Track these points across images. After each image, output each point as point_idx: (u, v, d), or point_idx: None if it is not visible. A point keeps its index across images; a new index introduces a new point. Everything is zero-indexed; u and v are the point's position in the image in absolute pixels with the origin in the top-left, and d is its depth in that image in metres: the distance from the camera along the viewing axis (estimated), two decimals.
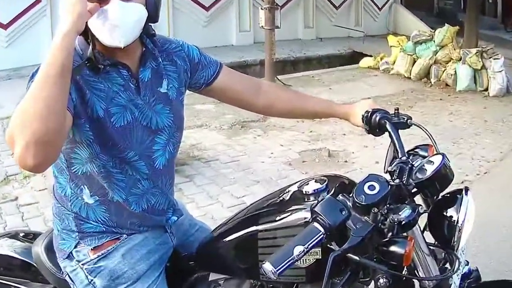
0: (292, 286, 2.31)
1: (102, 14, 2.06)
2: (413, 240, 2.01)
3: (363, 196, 1.99)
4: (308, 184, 2.26)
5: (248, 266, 2.30)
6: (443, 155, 2.20)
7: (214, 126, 9.07)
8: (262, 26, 12.19)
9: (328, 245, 1.96)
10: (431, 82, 13.56)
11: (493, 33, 24.84)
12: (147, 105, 2.30)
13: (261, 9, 12.17)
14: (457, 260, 2.20)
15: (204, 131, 8.69)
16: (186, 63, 2.50)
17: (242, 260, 2.34)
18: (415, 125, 2.52)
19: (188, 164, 7.33)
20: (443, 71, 13.46)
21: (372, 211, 1.95)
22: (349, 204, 2.03)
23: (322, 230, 1.87)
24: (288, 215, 2.22)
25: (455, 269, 2.19)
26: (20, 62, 12.24)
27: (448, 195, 2.29)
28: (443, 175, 2.16)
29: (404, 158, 2.25)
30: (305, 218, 2.10)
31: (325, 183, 2.23)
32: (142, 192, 2.35)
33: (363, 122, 2.58)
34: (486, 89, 12.79)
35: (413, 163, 2.24)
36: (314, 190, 2.20)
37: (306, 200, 2.21)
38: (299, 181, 2.37)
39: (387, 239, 1.98)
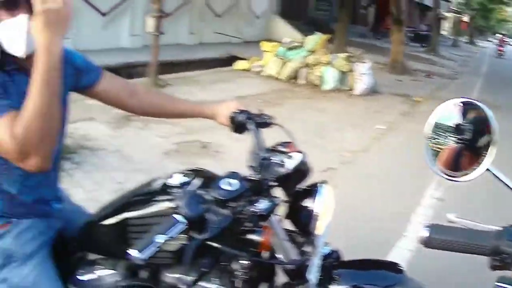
0: (163, 266, 2.34)
1: (9, 24, 2.06)
2: (268, 229, 2.09)
3: (222, 192, 2.04)
4: (172, 177, 2.28)
5: (122, 249, 2.18)
6: (302, 153, 2.31)
7: (102, 120, 9.02)
8: (149, 32, 12.47)
9: (190, 234, 1.97)
10: (299, 83, 13.92)
11: (364, 40, 25.65)
12: None
13: (149, 17, 12.47)
14: (314, 245, 2.25)
15: (93, 123, 8.62)
16: (72, 69, 2.49)
17: (117, 243, 2.33)
18: (275, 124, 2.62)
19: (77, 153, 7.28)
20: (311, 73, 13.79)
21: (230, 205, 1.99)
22: (209, 198, 2.06)
23: (184, 220, 1.89)
24: (155, 205, 2.25)
25: (312, 253, 2.23)
26: None
27: (308, 187, 2.35)
28: (300, 171, 2.27)
29: (263, 154, 2.32)
30: (170, 208, 2.11)
31: (190, 176, 2.27)
32: (35, 184, 2.35)
33: (230, 122, 2.65)
34: (351, 89, 13.11)
35: (272, 158, 2.31)
36: (180, 184, 2.22)
37: (172, 191, 2.21)
38: (168, 174, 2.37)
39: (246, 228, 2.04)
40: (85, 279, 2.46)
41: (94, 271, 2.45)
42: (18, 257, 2.32)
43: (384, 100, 12.73)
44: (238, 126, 2.63)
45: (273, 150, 2.46)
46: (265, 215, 2.05)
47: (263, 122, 2.59)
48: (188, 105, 2.90)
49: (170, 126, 8.68)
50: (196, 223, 1.92)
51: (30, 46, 2.09)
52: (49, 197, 2.46)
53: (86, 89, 2.58)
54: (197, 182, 2.24)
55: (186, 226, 1.88)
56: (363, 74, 13.25)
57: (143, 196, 2.38)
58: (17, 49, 2.08)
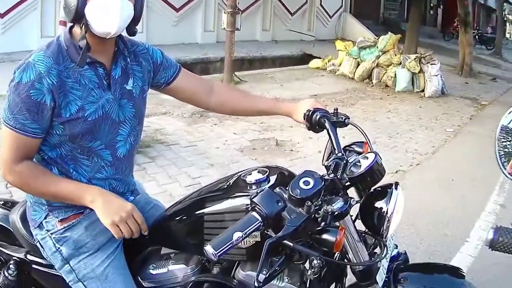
0: (234, 263, 2.35)
1: (102, 3, 2.11)
2: (344, 230, 2.02)
3: (298, 190, 2.00)
4: (251, 174, 2.28)
5: (195, 244, 2.31)
6: (375, 153, 2.23)
7: (177, 114, 9.05)
8: (224, 28, 12.34)
9: (266, 232, 1.97)
10: (372, 83, 13.75)
11: (433, 41, 25.12)
12: (116, 100, 2.32)
13: (224, 12, 12.34)
14: (385, 247, 2.23)
15: (167, 118, 8.66)
16: (150, 64, 2.53)
17: (191, 238, 2.36)
18: (351, 124, 2.55)
19: (152, 147, 7.35)
20: (384, 74, 13.64)
21: (306, 204, 1.96)
22: (285, 196, 2.05)
23: (260, 218, 1.90)
24: (231, 201, 2.25)
25: (383, 254, 2.22)
26: (12, 48, 12.31)
27: (380, 188, 2.30)
28: (375, 171, 2.19)
29: (340, 154, 2.27)
30: (246, 205, 2.11)
31: (266, 174, 2.26)
32: (105, 177, 2.38)
33: (304, 119, 2.59)
34: (423, 91, 13.02)
35: (348, 158, 2.26)
36: (256, 180, 2.22)
37: (248, 188, 2.23)
38: (243, 170, 2.39)
39: (320, 227, 2.00)
40: (157, 273, 2.47)
41: (166, 266, 2.46)
42: (89, 248, 2.37)
43: (452, 102, 12.50)
44: (313, 124, 2.55)
45: (348, 149, 2.46)
46: (341, 215, 2.03)
47: (339, 121, 2.53)
48: (266, 102, 2.87)
49: (245, 123, 8.67)
50: (272, 221, 1.92)
51: (122, 25, 2.18)
52: (122, 189, 2.47)
53: (163, 85, 2.62)
54: (273, 179, 2.24)
55: (262, 224, 1.89)
56: (434, 75, 13.04)
57: (219, 192, 2.38)
58: (110, 27, 2.14)
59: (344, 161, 2.20)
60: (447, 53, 21.99)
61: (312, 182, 2.03)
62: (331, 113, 2.56)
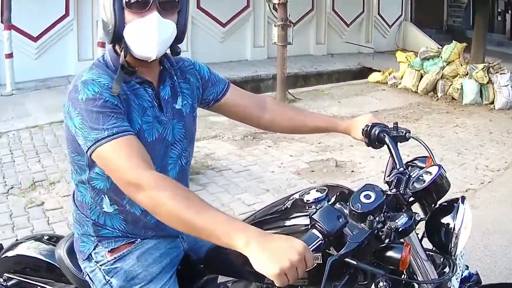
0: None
1: (141, 25, 2.16)
2: (409, 246, 2.02)
3: (359, 205, 2.02)
4: (309, 193, 2.30)
5: (253, 271, 2.15)
6: (439, 166, 2.26)
7: (227, 137, 9.12)
8: (275, 42, 12.36)
9: (327, 251, 1.98)
10: (437, 96, 13.56)
11: (501, 49, 24.69)
12: (169, 121, 2.37)
13: (275, 26, 12.33)
14: (454, 265, 2.23)
15: (217, 142, 8.75)
16: (198, 80, 2.58)
17: (248, 264, 2.20)
18: (413, 138, 2.59)
19: (202, 173, 7.40)
20: (450, 86, 13.46)
21: (368, 218, 1.97)
22: (346, 212, 2.06)
23: (320, 236, 1.90)
24: (290, 222, 2.27)
25: (452, 272, 2.22)
26: (48, 74, 12.51)
27: (446, 203, 2.32)
28: (439, 185, 2.22)
29: (401, 169, 2.32)
30: (305, 225, 2.11)
31: (325, 192, 2.27)
32: None
33: (363, 135, 2.65)
34: (492, 103, 12.78)
35: (411, 173, 2.30)
36: (315, 199, 2.24)
37: (307, 208, 2.24)
38: (301, 190, 2.41)
39: (384, 244, 2.01)
40: None
41: None
42: (141, 280, 2.39)
43: None
44: (373, 140, 2.62)
45: (410, 165, 2.49)
46: (405, 231, 2.04)
47: (399, 136, 2.58)
48: (322, 119, 2.89)
49: (302, 144, 8.69)
50: (333, 239, 1.92)
51: (162, 48, 2.21)
52: None
53: (212, 102, 2.65)
54: (332, 198, 2.24)
55: (323, 242, 1.89)
56: (504, 86, 12.74)
57: (276, 214, 2.39)
58: (149, 51, 2.18)
59: (407, 176, 2.24)
60: None
61: (373, 196, 2.04)
62: (391, 127, 2.61)
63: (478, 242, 5.37)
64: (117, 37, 2.18)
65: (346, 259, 1.90)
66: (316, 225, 1.92)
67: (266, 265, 1.78)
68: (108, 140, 2.02)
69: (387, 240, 1.99)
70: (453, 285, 2.33)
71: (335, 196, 2.27)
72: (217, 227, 1.87)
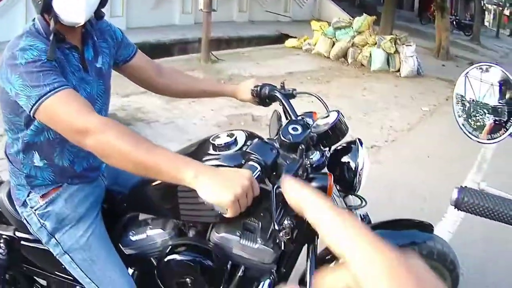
0: (208, 226, 2.38)
1: None
2: (331, 176, 2.03)
3: (290, 136, 2.06)
4: (219, 137, 2.26)
5: (170, 208, 2.32)
6: (338, 111, 2.29)
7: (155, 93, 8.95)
8: (201, 9, 12.38)
9: (262, 185, 1.92)
10: (347, 62, 13.81)
11: (409, 25, 25.39)
12: (94, 81, 2.34)
13: None
14: (362, 199, 2.29)
15: (147, 97, 8.60)
16: (114, 40, 2.54)
17: (166, 202, 2.35)
18: (300, 93, 2.67)
19: (132, 125, 7.39)
20: (359, 53, 13.73)
21: (300, 147, 1.98)
22: (276, 145, 2.09)
23: (258, 166, 1.88)
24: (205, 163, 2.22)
25: (362, 205, 2.28)
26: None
27: (344, 145, 2.36)
28: (339, 127, 2.24)
29: (299, 118, 2.35)
30: (215, 166, 2.04)
31: (234, 137, 2.24)
32: (86, 154, 2.36)
33: (253, 96, 2.72)
34: (398, 71, 13.12)
35: (306, 122, 2.30)
36: (225, 143, 2.20)
37: (217, 151, 2.20)
38: (211, 135, 2.35)
39: (310, 176, 2.03)
40: (136, 239, 2.51)
41: (145, 231, 2.49)
42: (70, 220, 2.39)
43: (428, 83, 12.50)
44: (263, 98, 2.69)
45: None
46: (319, 167, 2.12)
47: (287, 93, 2.63)
48: (210, 84, 3.01)
49: (223, 100, 8.64)
50: (269, 170, 1.93)
51: (89, 13, 2.17)
52: (98, 164, 2.50)
53: (121, 63, 2.63)
54: (241, 141, 2.22)
55: (261, 173, 1.88)
56: (409, 56, 13.07)
57: (190, 156, 2.25)
58: (77, 17, 2.13)
59: (305, 123, 2.23)
60: (424, 36, 22.18)
61: (300, 128, 2.09)
62: (279, 87, 2.68)
63: (380, 195, 5.36)
64: (46, 7, 2.11)
65: (280, 190, 1.81)
66: (252, 157, 1.93)
67: (219, 194, 1.73)
68: (51, 94, 1.94)
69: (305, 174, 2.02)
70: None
71: (244, 140, 2.25)
72: (166, 164, 1.81)
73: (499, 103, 2.06)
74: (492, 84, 2.11)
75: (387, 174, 6.21)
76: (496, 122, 2.10)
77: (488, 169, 6.90)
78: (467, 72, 2.17)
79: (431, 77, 13.30)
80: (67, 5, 2.09)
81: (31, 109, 1.95)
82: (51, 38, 2.10)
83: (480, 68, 2.11)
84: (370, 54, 13.44)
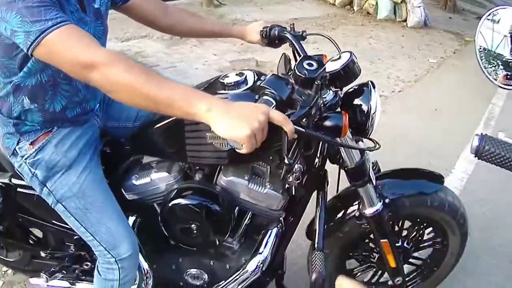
0: (216, 168, 2.38)
1: None
2: (347, 114, 2.02)
3: (306, 71, 2.02)
4: (228, 76, 2.25)
5: (176, 150, 2.31)
6: (350, 52, 2.25)
7: (156, 37, 8.96)
8: None
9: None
10: (353, 10, 13.61)
11: None
12: (91, 21, 2.25)
13: None
14: (376, 143, 2.23)
15: (147, 41, 8.59)
16: None
17: (172, 144, 2.34)
18: (310, 34, 2.66)
19: None
20: (366, 1, 13.52)
21: (316, 83, 1.94)
22: (291, 80, 2.04)
23: (274, 101, 1.85)
24: None
25: (374, 147, 2.21)
26: None
27: (356, 87, 2.31)
28: (352, 68, 2.21)
29: (309, 56, 2.26)
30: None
31: (244, 76, 2.23)
32: (80, 99, 2.33)
33: (262, 36, 2.73)
34: (405, 20, 12.90)
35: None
36: (234, 82, 2.19)
37: (226, 90, 2.20)
38: (221, 74, 2.35)
39: (325, 114, 2.02)
40: (140, 184, 2.50)
41: (149, 175, 2.48)
42: (61, 167, 2.34)
43: (435, 35, 12.29)
44: (272, 39, 2.69)
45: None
46: (333, 106, 2.10)
47: (298, 35, 2.61)
48: (218, 25, 2.91)
49: (226, 45, 8.62)
50: (285, 105, 1.90)
51: None
52: (92, 106, 2.44)
53: (121, 3, 2.57)
54: (251, 81, 2.21)
55: (275, 108, 1.83)
56: (416, 7, 12.90)
57: None
58: None
59: (318, 59, 2.18)
60: None
61: (315, 64, 2.05)
62: (288, 29, 2.66)
63: (386, 145, 5.28)
64: None
65: (296, 126, 1.80)
66: (267, 92, 1.88)
67: (235, 129, 1.66)
68: (54, 28, 1.82)
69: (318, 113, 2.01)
70: (370, 166, 2.48)
71: (253, 79, 2.24)
72: (178, 97, 1.73)
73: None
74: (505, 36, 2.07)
75: (393, 124, 6.19)
76: (508, 76, 2.09)
77: (496, 126, 6.80)
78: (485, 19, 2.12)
79: (438, 29, 13.12)
80: None
81: (30, 45, 1.85)
82: None
83: (493, 18, 2.07)
84: (377, 2, 13.20)
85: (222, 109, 1.68)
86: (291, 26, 2.69)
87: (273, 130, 1.72)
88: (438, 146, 5.88)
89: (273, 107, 1.80)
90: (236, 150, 1.70)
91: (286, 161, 1.89)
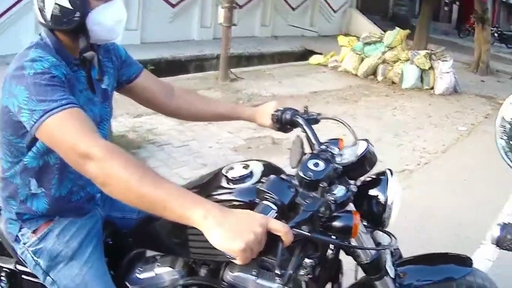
0: (221, 264, 2.32)
1: (109, 10, 2.13)
2: (358, 214, 1.93)
3: (311, 173, 1.97)
4: (233, 169, 2.21)
5: (180, 245, 2.27)
6: (367, 140, 2.24)
7: None
8: (220, 23, 12.38)
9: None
10: (377, 80, 13.73)
11: (446, 38, 25.22)
12: (99, 102, 2.33)
13: (221, 7, 12.36)
14: (392, 235, 2.18)
15: (159, 117, 8.55)
16: (118, 59, 2.52)
17: (175, 238, 2.30)
18: (325, 118, 2.63)
19: (143, 147, 7.37)
20: (390, 70, 13.66)
21: (320, 185, 1.88)
22: (294, 182, 1.98)
23: (275, 207, 1.79)
24: (214, 198, 2.14)
25: (392, 242, 2.15)
26: (6, 51, 12.08)
27: (373, 176, 2.26)
28: (369, 158, 2.20)
29: (322, 147, 2.26)
30: (228, 201, 2.07)
31: (249, 169, 2.19)
32: (84, 183, 2.34)
33: (273, 121, 2.67)
34: (432, 88, 13.00)
35: (332, 151, 2.23)
36: (240, 176, 2.15)
37: (231, 185, 2.15)
38: (224, 166, 2.31)
39: (334, 214, 1.93)
40: (144, 278, 2.46)
41: (153, 269, 2.45)
42: (64, 257, 2.33)
43: (466, 101, 12.37)
44: (284, 124, 2.64)
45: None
46: (344, 203, 1.99)
47: (311, 118, 2.58)
48: (226, 107, 2.89)
49: (241, 122, 8.57)
50: (286, 210, 1.83)
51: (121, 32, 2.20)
52: (94, 192, 2.44)
53: (124, 83, 2.59)
54: (257, 174, 2.18)
55: (277, 213, 1.78)
56: (445, 72, 12.94)
57: (201, 190, 2.27)
58: (115, 35, 2.20)
59: (330, 153, 2.17)
60: (462, 50, 21.96)
61: (322, 164, 2.01)
62: (302, 112, 2.63)
63: (412, 223, 5.32)
64: (81, 27, 2.11)
65: (299, 231, 1.77)
66: (267, 197, 1.82)
67: (229, 241, 1.60)
68: (57, 111, 1.88)
69: (328, 212, 1.92)
70: (387, 257, 2.35)
71: (260, 172, 2.21)
72: (173, 200, 1.70)
73: None
74: None
75: (419, 200, 6.09)
76: None
77: None
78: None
79: (469, 93, 13.18)
80: (107, 22, 2.13)
81: (33, 125, 1.89)
82: (88, 57, 2.14)
83: None
84: (402, 71, 13.32)
85: (217, 219, 1.63)
86: (305, 108, 2.64)
87: (273, 237, 1.69)
88: (467, 217, 5.81)
89: (273, 213, 1.77)
90: (231, 260, 1.67)
91: (277, 271, 1.78)
